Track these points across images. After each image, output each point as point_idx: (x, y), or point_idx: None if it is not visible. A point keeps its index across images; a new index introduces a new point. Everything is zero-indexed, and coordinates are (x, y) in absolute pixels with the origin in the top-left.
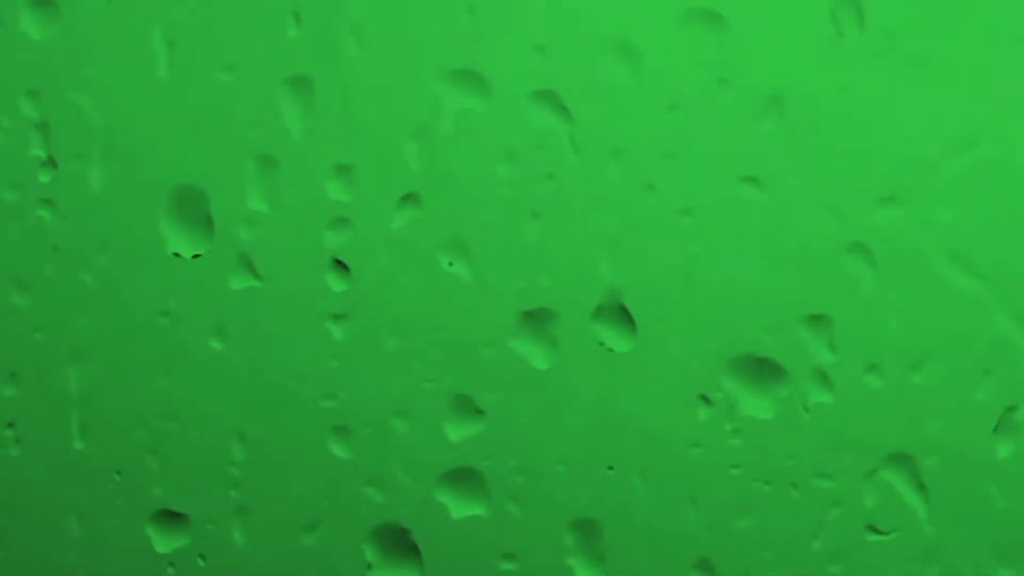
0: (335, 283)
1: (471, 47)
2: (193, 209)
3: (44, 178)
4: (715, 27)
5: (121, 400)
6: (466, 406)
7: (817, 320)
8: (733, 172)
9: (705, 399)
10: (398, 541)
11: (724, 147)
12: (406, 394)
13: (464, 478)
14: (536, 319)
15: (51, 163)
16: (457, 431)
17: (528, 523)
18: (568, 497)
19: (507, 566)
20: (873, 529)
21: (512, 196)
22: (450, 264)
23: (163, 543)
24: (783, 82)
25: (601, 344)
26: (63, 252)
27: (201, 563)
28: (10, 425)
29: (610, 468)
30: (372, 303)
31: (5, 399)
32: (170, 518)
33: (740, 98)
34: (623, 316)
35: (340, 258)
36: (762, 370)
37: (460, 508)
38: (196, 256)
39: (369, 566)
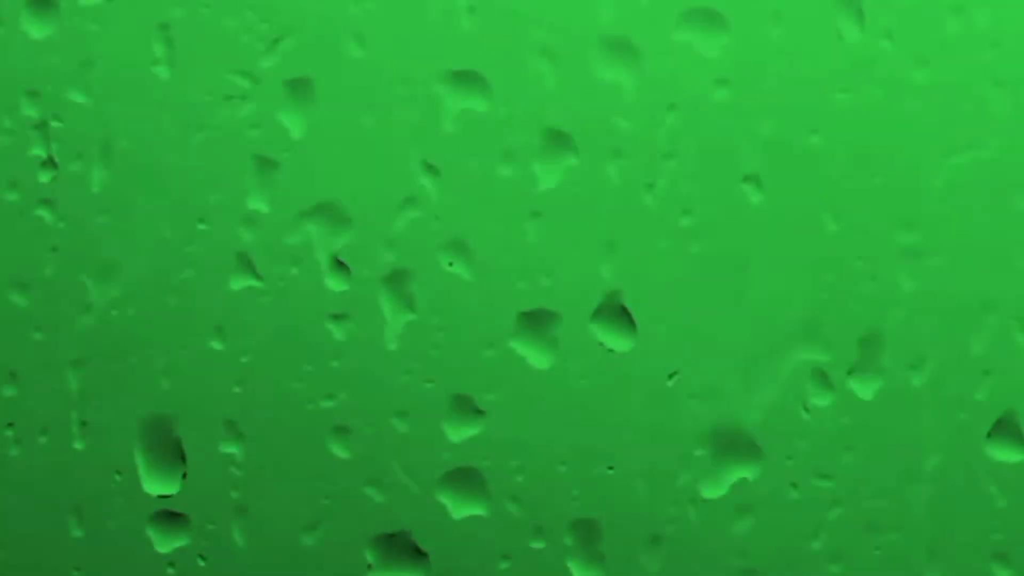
0: (335, 283)
1: (471, 47)
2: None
3: (44, 178)
4: (715, 27)
5: (121, 400)
6: (466, 406)
7: (817, 320)
8: (733, 172)
9: (705, 399)
10: (398, 542)
11: (724, 147)
12: (406, 394)
13: (464, 478)
14: (536, 319)
15: (51, 163)
16: (457, 431)
17: (528, 523)
18: (568, 497)
19: (507, 566)
20: (873, 529)
21: (512, 196)
22: (450, 264)
23: (163, 543)
24: (783, 82)
25: (601, 344)
26: (63, 252)
27: (201, 563)
28: (10, 425)
29: (610, 468)
30: (372, 303)
31: (5, 399)
32: (170, 518)
33: (740, 98)
34: (623, 316)
35: (340, 258)
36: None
37: (460, 508)
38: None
39: (369, 567)
